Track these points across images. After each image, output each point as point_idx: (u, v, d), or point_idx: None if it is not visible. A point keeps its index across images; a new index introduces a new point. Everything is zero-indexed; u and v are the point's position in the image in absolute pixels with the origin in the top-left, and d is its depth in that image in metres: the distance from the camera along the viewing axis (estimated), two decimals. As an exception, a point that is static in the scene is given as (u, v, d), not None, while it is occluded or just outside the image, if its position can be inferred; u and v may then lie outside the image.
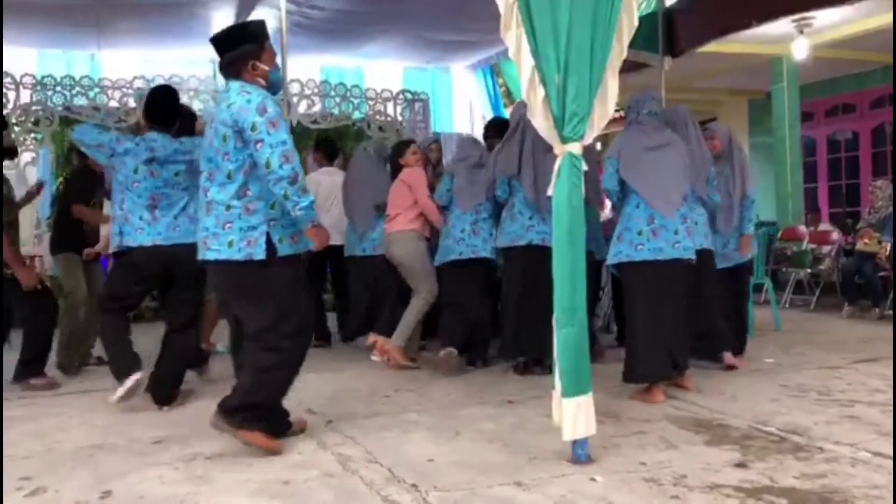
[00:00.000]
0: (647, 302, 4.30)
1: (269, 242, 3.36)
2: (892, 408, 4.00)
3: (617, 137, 4.72)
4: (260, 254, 3.34)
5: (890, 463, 3.10)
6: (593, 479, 2.98)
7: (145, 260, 4.35)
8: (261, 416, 3.44)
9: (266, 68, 3.49)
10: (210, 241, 3.39)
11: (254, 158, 3.32)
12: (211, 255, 3.39)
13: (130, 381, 4.24)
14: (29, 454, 3.51)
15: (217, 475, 3.16)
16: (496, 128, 5.82)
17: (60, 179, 7.39)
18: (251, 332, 3.49)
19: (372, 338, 5.56)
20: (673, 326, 4.31)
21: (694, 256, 4.40)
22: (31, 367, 4.95)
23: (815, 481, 2.91)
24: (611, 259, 4.44)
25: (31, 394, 4.80)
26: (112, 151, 4.43)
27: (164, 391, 4.41)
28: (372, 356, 5.60)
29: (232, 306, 3.67)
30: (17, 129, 8.67)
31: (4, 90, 8.57)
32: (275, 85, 3.53)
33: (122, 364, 4.31)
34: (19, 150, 8.68)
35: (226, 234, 3.35)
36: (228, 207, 3.36)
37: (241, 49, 3.45)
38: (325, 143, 6.97)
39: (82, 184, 5.55)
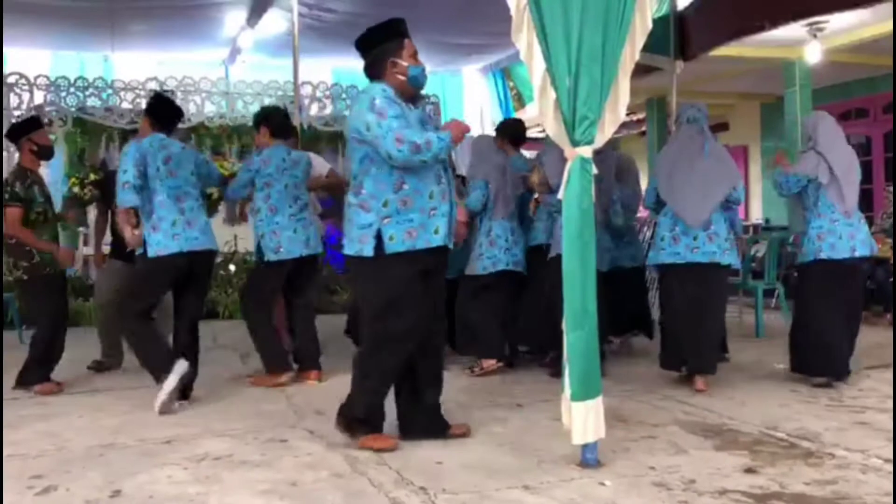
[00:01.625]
0: (668, 301, 4.79)
1: (378, 239, 3.38)
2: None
3: (661, 152, 4.96)
4: (368, 251, 3.38)
5: (901, 470, 3.08)
6: (602, 484, 2.97)
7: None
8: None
9: (406, 65, 3.46)
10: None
11: (370, 157, 3.40)
12: (345, 251, 3.53)
13: (174, 378, 4.25)
14: (40, 453, 3.54)
15: (226, 475, 3.17)
16: (507, 130, 5.79)
17: (73, 179, 7.41)
18: (364, 329, 3.62)
19: None
20: (685, 326, 4.63)
21: (717, 260, 4.62)
22: (32, 373, 4.85)
23: (826, 487, 2.90)
24: (648, 262, 5.13)
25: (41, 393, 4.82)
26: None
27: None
28: None
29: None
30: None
31: (19, 91, 8.64)
32: (415, 81, 3.50)
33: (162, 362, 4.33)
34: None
35: (349, 230, 3.48)
36: (350, 205, 3.49)
37: (382, 47, 3.48)
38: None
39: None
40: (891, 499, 2.77)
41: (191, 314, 4.62)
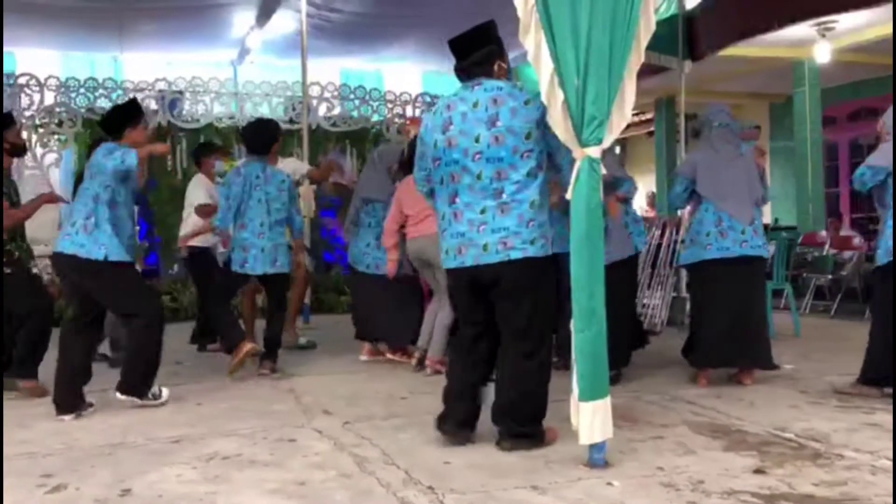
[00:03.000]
0: (715, 297, 4.76)
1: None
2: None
3: (689, 154, 4.93)
4: (549, 250, 3.39)
5: (911, 471, 3.07)
6: (610, 484, 2.97)
7: None
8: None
9: (507, 67, 3.54)
10: (511, 240, 3.32)
11: (556, 148, 3.31)
12: (515, 255, 3.32)
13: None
14: (50, 452, 3.56)
15: (234, 475, 3.18)
16: None
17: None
18: (525, 339, 3.42)
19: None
20: (742, 320, 4.71)
21: (763, 254, 4.81)
22: (17, 369, 4.77)
23: (835, 489, 2.89)
24: (683, 261, 5.10)
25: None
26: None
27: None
28: (361, 357, 5.78)
29: (521, 308, 3.42)
30: (40, 130, 8.79)
31: (29, 92, 8.70)
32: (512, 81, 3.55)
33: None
34: (42, 150, 8.81)
35: (529, 231, 3.33)
36: (532, 204, 3.33)
37: (488, 49, 3.47)
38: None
39: None
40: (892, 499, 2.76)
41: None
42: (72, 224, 4.29)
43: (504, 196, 3.32)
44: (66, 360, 4.30)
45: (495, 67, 3.47)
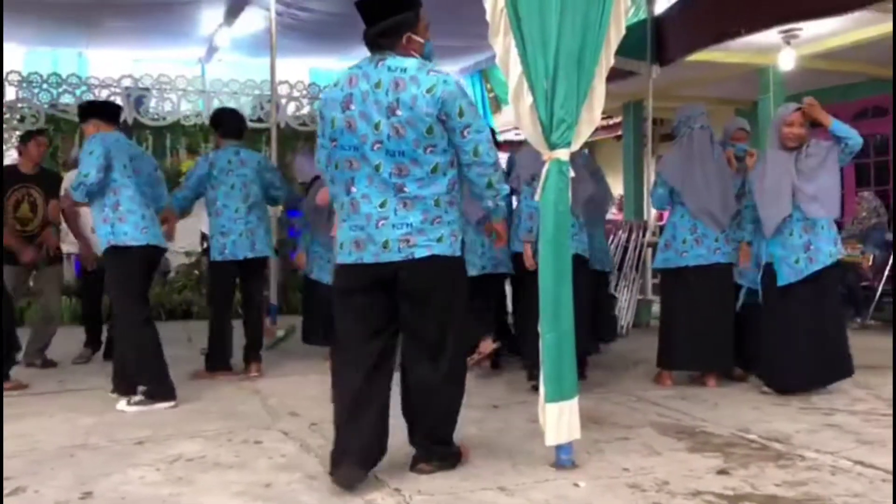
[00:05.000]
0: (684, 300, 4.83)
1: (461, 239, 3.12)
2: (874, 417, 4.04)
3: (667, 153, 5.01)
4: (459, 250, 3.09)
5: (870, 472, 3.12)
6: (576, 485, 2.98)
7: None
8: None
9: (421, 41, 3.07)
10: (415, 237, 2.97)
11: (458, 147, 3.00)
12: (419, 253, 2.97)
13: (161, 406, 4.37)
14: (11, 454, 3.47)
15: (199, 476, 3.15)
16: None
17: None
18: (437, 348, 3.07)
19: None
20: (708, 325, 4.76)
21: (734, 261, 4.84)
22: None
23: (797, 489, 2.93)
24: (657, 264, 5.05)
25: (10, 393, 4.75)
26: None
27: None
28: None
29: (428, 311, 3.06)
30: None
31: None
32: (428, 59, 3.09)
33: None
34: (4, 147, 8.63)
35: (435, 228, 2.99)
36: (438, 202, 3.00)
37: (397, 18, 2.99)
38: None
39: None
40: (859, 500, 2.81)
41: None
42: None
43: (406, 191, 2.96)
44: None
45: (403, 40, 3.01)
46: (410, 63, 2.96)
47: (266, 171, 5.39)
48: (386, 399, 3.06)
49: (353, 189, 3.00)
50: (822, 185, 4.51)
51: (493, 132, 5.84)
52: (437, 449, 3.15)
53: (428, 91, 2.90)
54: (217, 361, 5.22)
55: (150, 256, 4.53)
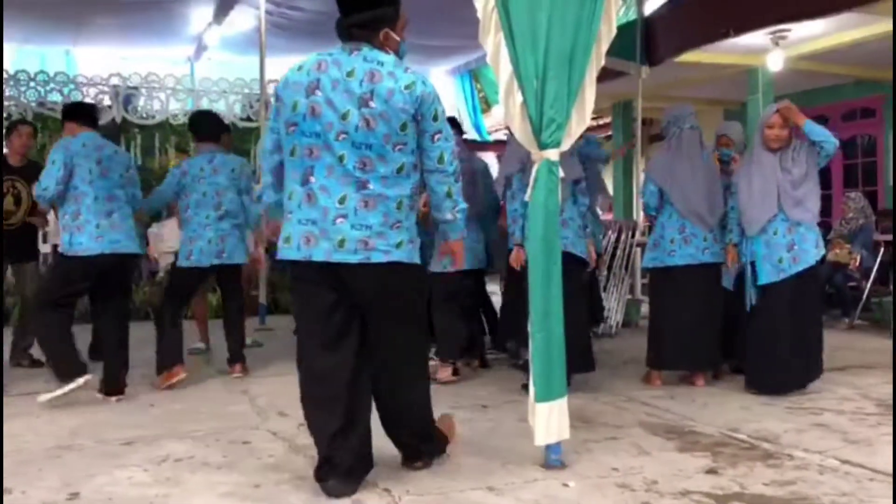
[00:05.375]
0: (673, 300, 4.83)
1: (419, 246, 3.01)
2: (861, 416, 4.06)
3: (656, 154, 4.95)
4: (417, 257, 2.97)
5: (857, 471, 3.14)
6: (566, 485, 2.98)
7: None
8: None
9: (398, 39, 2.96)
10: (374, 240, 2.81)
11: (424, 150, 2.89)
12: (377, 257, 2.81)
13: (72, 387, 4.38)
14: (-5, 455, 3.46)
15: (187, 477, 3.13)
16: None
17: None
18: (403, 353, 3.02)
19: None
20: (696, 324, 4.78)
21: (721, 260, 4.86)
22: None
23: (785, 488, 2.94)
24: (646, 263, 5.07)
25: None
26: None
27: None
28: None
29: (385, 318, 2.96)
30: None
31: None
32: (400, 59, 2.97)
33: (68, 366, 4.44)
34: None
35: (395, 233, 2.85)
36: (400, 205, 2.86)
37: (377, 12, 2.88)
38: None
39: None
40: (847, 499, 2.82)
41: (117, 314, 4.72)
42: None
43: (369, 188, 2.80)
44: None
45: (381, 35, 2.89)
46: (387, 58, 2.85)
47: (242, 178, 5.24)
48: (367, 413, 2.98)
49: (312, 179, 2.81)
50: (806, 188, 4.54)
51: (479, 131, 5.88)
52: (425, 446, 3.17)
53: (406, 87, 2.79)
54: (167, 360, 4.96)
55: (106, 264, 4.50)
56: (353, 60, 2.82)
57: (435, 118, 2.86)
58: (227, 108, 9.42)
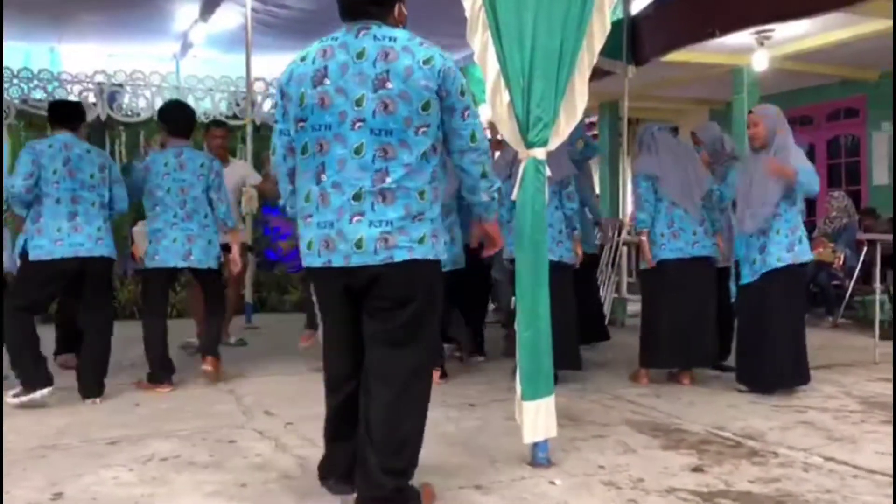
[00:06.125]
0: (670, 296, 4.82)
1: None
2: (844, 414, 4.10)
3: (642, 157, 5.08)
4: (442, 252, 2.68)
5: (841, 468, 3.17)
6: (552, 483, 2.99)
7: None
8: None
9: (406, 13, 2.81)
10: (395, 237, 2.55)
11: (454, 130, 2.63)
12: (400, 255, 2.55)
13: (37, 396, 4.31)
14: (-22, 454, 3.43)
15: (173, 476, 3.12)
16: None
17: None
18: (415, 360, 2.68)
19: None
20: (689, 321, 4.78)
21: (713, 254, 4.90)
22: None
23: (770, 485, 2.96)
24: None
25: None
26: None
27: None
28: (301, 345, 5.51)
29: (400, 325, 2.62)
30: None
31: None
32: None
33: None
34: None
35: (417, 227, 2.58)
36: (423, 195, 2.60)
37: None
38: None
39: None
40: (831, 496, 2.85)
41: (101, 327, 4.56)
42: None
43: (388, 180, 2.53)
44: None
45: (395, 10, 2.68)
46: (400, 33, 2.58)
47: (211, 174, 4.98)
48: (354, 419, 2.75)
49: (324, 177, 2.57)
50: (756, 197, 4.59)
51: None
52: (393, 482, 2.62)
53: (426, 62, 2.53)
54: (158, 375, 4.81)
55: (70, 269, 4.40)
56: (361, 41, 2.55)
57: (462, 93, 2.60)
58: (213, 105, 9.38)
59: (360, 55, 2.53)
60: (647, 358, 4.95)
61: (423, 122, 2.55)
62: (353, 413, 2.70)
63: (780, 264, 4.52)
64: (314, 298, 3.47)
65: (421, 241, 2.58)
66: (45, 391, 4.32)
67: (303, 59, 2.63)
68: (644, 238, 4.93)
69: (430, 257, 2.61)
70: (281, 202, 2.88)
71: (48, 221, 4.38)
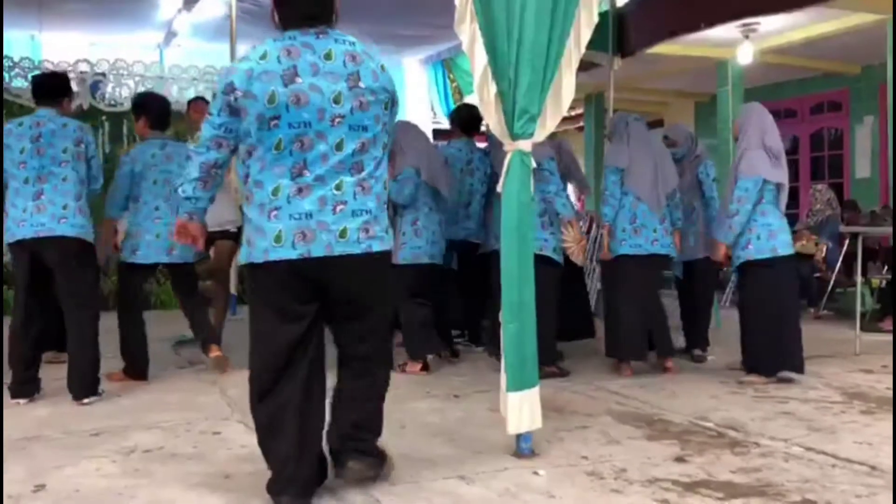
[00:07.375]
0: (627, 291, 4.91)
1: None
2: (825, 405, 4.14)
3: (611, 146, 5.15)
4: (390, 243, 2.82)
5: (821, 458, 3.21)
6: (536, 473, 3.01)
7: None
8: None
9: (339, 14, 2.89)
10: (373, 227, 2.66)
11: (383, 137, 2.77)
12: (377, 246, 2.66)
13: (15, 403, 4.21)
14: (-41, 446, 3.40)
15: (156, 468, 3.11)
16: (453, 116, 5.83)
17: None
18: (375, 346, 2.81)
19: None
20: (650, 313, 4.96)
21: (671, 252, 5.02)
22: None
23: (751, 475, 2.99)
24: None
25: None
26: None
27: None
28: None
29: (368, 319, 2.76)
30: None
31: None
32: None
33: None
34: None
35: (383, 218, 2.73)
36: (385, 185, 2.78)
37: None
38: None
39: None
40: (810, 485, 2.87)
41: (80, 315, 4.28)
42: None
43: (364, 173, 2.66)
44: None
45: (335, 15, 2.74)
46: (353, 39, 2.71)
47: None
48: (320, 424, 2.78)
49: (307, 172, 2.59)
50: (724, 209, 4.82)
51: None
52: (372, 447, 2.86)
53: (382, 68, 2.73)
54: (134, 370, 4.75)
55: (35, 251, 4.18)
56: (324, 43, 2.64)
57: (396, 102, 2.81)
58: (197, 95, 9.30)
59: (327, 56, 2.63)
60: (609, 348, 5.09)
61: (385, 120, 2.74)
62: (298, 415, 2.69)
63: (737, 262, 4.71)
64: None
65: (387, 231, 2.74)
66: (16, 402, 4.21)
67: (262, 57, 2.61)
68: (605, 232, 5.03)
69: (389, 248, 2.77)
70: (178, 183, 2.86)
71: (15, 202, 4.19)
